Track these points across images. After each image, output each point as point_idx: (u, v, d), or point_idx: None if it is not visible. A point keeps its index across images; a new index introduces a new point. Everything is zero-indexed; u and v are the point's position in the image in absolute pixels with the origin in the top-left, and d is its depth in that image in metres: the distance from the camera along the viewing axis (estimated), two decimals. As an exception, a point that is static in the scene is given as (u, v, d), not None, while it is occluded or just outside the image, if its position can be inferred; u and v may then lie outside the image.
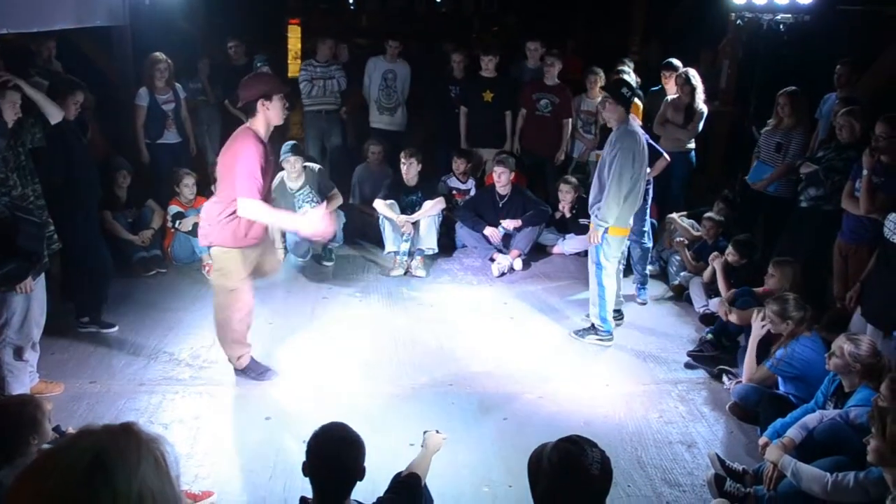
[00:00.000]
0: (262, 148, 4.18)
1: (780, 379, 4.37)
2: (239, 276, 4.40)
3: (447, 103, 7.81)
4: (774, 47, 7.21)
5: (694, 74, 6.88)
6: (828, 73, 6.34)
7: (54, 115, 4.60)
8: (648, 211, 5.96)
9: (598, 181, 5.19)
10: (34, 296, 4.12)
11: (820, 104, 6.49)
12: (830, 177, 5.35)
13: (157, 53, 6.90)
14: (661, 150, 5.99)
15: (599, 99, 5.38)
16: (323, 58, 7.87)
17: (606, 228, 5.11)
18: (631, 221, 5.33)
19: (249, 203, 4.13)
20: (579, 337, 5.46)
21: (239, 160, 4.10)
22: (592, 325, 5.45)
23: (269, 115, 4.17)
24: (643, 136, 5.20)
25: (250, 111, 4.18)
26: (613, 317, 5.54)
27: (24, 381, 4.23)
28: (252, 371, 4.70)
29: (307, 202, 6.51)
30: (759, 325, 4.52)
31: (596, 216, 5.15)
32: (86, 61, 7.04)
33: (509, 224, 6.94)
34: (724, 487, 3.64)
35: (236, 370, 4.70)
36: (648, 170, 5.39)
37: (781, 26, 6.96)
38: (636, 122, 5.35)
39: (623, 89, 5.16)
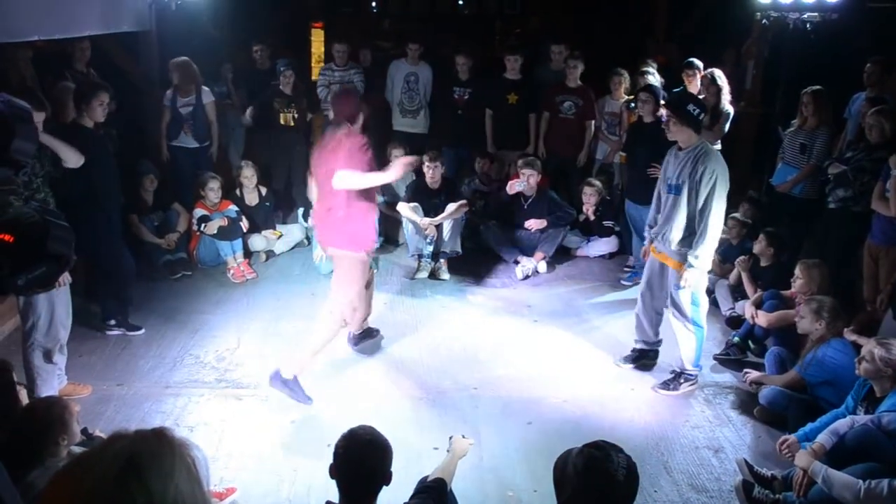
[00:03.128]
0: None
1: (808, 384, 4.30)
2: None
3: (451, 105, 7.79)
4: (801, 47, 7.10)
5: (720, 75, 6.80)
6: (856, 72, 6.24)
7: (72, 160, 4.50)
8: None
9: (670, 211, 4.53)
10: (58, 299, 4.17)
11: (849, 104, 6.40)
12: (859, 177, 5.27)
13: (182, 58, 6.94)
14: None
15: (663, 115, 4.73)
16: (341, 62, 7.90)
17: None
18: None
19: (345, 173, 4.32)
20: (670, 390, 4.76)
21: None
22: (680, 372, 4.81)
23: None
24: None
25: (352, 121, 4.47)
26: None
27: (52, 384, 4.30)
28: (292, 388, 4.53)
29: None
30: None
31: (693, 258, 4.38)
32: (112, 66, 7.12)
33: (534, 224, 6.92)
34: (753, 493, 3.60)
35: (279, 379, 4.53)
36: None
37: (808, 25, 6.86)
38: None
39: (690, 106, 4.42)
